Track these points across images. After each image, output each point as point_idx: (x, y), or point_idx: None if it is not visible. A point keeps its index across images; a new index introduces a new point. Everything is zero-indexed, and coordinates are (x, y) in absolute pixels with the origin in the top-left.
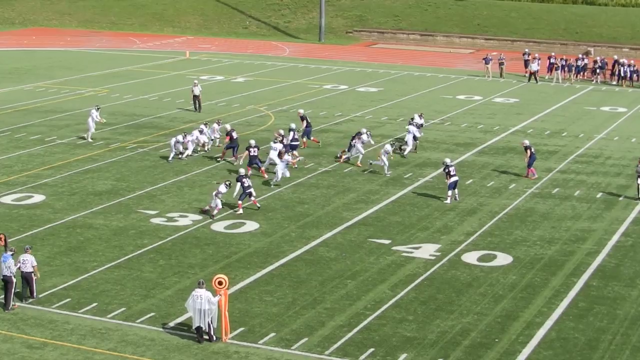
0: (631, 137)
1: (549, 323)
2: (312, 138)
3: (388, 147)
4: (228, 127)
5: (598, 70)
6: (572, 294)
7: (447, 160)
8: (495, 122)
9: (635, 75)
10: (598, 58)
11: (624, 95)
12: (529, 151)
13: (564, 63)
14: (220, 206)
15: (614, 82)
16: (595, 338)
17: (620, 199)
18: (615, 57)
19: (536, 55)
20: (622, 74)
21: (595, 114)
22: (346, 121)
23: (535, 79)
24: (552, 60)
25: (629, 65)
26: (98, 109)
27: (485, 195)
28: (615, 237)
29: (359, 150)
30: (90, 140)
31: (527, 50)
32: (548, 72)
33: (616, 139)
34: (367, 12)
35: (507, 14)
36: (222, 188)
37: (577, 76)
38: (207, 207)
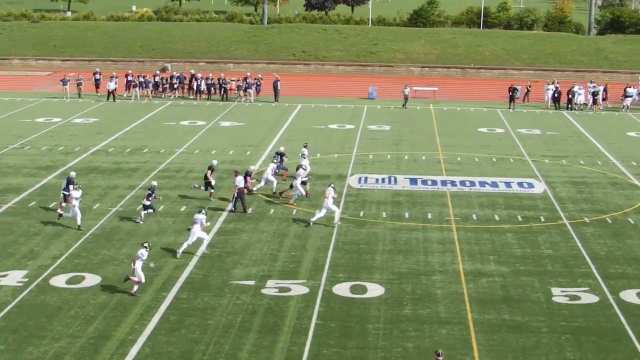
0: (211, 150)
1: (142, 339)
2: None
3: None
4: None
5: (176, 85)
6: (162, 308)
7: (154, 183)
8: (76, 143)
9: (213, 88)
10: (175, 73)
11: (202, 109)
12: None
13: (142, 80)
14: (143, 279)
15: (192, 96)
16: (189, 350)
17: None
18: (192, 71)
19: (113, 73)
20: (199, 88)
21: (175, 129)
22: None
23: (113, 97)
24: (130, 78)
25: (206, 79)
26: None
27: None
28: (201, 249)
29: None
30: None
31: (98, 69)
32: (126, 90)
33: (197, 152)
34: None
35: (84, 34)
36: (143, 252)
37: (154, 92)
38: (131, 277)
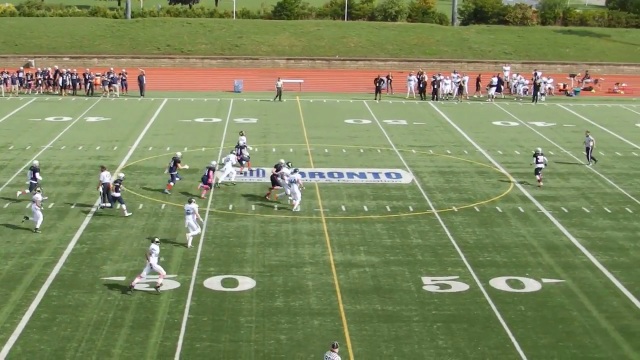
0: (78, 146)
1: (13, 338)
2: None
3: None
4: None
5: (41, 81)
6: (33, 306)
7: (122, 175)
8: None
9: (78, 83)
10: (39, 69)
11: (67, 105)
12: None
13: (6, 76)
14: (163, 271)
15: (57, 92)
16: (62, 347)
17: (72, 207)
18: (57, 66)
19: None
20: (64, 84)
21: (41, 125)
22: None
23: None
24: None
25: (71, 74)
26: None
27: None
28: (70, 245)
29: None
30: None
31: None
32: None
33: (63, 148)
34: None
35: None
36: (154, 247)
37: (20, 88)
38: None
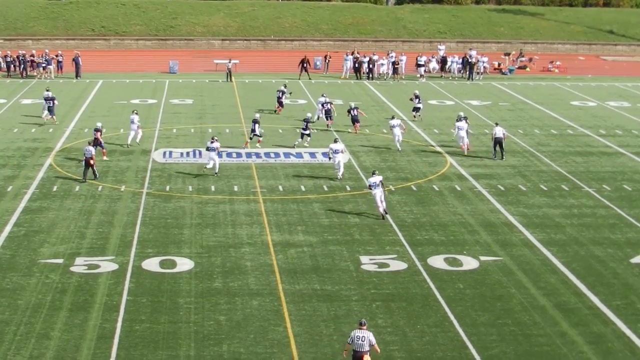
0: (13, 128)
1: None
2: None
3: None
4: None
5: None
6: None
7: (309, 115)
8: None
9: (12, 65)
10: None
11: (2, 87)
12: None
13: None
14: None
15: None
16: (0, 331)
17: (9, 189)
18: None
19: None
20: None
21: None
22: None
23: None
24: None
25: (5, 56)
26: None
27: None
28: (7, 228)
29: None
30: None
31: None
32: None
33: None
34: None
35: None
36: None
37: None
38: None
